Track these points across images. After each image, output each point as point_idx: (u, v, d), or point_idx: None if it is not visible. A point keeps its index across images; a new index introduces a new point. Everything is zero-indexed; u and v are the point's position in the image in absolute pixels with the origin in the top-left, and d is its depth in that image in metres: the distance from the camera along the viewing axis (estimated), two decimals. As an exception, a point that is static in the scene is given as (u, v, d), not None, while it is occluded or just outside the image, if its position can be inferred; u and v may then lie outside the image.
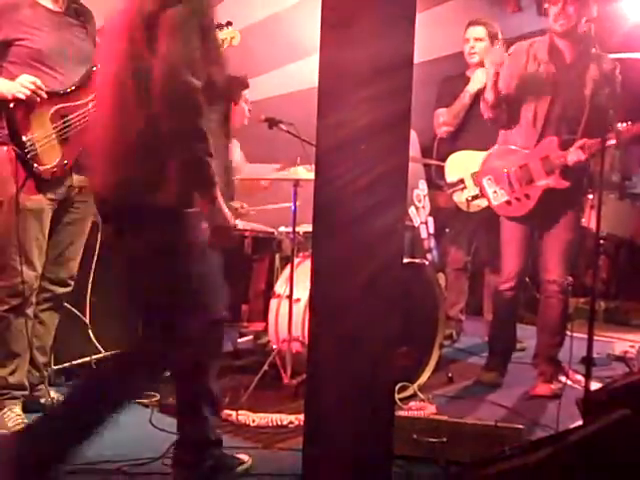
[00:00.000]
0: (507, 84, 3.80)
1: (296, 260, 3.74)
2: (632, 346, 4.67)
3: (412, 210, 5.47)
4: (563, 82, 3.72)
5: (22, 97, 2.97)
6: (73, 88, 3.13)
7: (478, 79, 4.54)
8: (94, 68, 3.10)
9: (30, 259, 3.06)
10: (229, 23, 3.45)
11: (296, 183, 3.75)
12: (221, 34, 3.43)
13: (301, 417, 3.09)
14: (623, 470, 2.21)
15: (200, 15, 2.32)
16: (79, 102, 3.12)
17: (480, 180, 4.01)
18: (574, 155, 3.68)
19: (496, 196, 3.90)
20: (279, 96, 5.00)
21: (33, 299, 3.12)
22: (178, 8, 2.26)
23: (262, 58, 5.00)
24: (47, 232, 3.12)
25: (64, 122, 3.10)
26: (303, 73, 4.82)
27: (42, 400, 3.25)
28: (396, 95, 2.14)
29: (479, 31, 4.69)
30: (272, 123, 4.16)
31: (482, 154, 4.14)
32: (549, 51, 3.77)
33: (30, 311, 3.12)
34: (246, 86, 4.34)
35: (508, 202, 3.86)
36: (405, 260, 3.34)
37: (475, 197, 4.43)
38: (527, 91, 3.77)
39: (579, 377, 3.85)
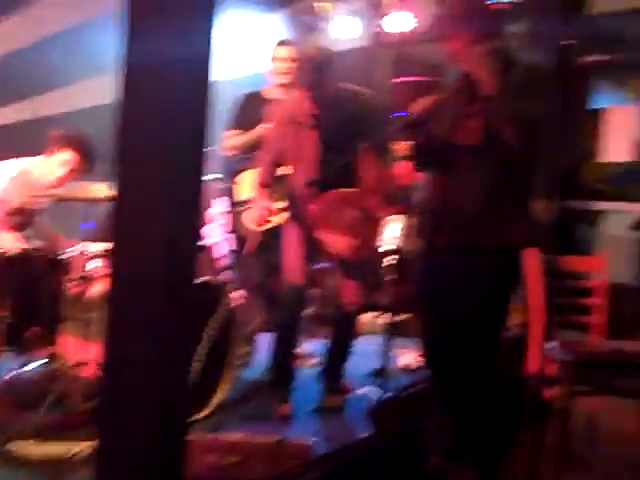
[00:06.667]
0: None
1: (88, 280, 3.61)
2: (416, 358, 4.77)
3: (209, 228, 5.40)
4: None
5: None
6: None
7: None
8: None
9: None
10: None
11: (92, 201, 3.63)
12: None
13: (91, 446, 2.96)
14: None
15: None
16: None
17: None
18: None
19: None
20: (75, 111, 4.84)
21: None
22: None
23: (57, 72, 4.83)
24: None
25: None
26: (99, 89, 4.69)
27: None
28: (191, 112, 2.15)
29: (290, 51, 4.54)
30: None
31: None
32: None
33: None
34: None
35: None
36: (200, 279, 3.31)
37: None
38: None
39: (365, 389, 4.00)
